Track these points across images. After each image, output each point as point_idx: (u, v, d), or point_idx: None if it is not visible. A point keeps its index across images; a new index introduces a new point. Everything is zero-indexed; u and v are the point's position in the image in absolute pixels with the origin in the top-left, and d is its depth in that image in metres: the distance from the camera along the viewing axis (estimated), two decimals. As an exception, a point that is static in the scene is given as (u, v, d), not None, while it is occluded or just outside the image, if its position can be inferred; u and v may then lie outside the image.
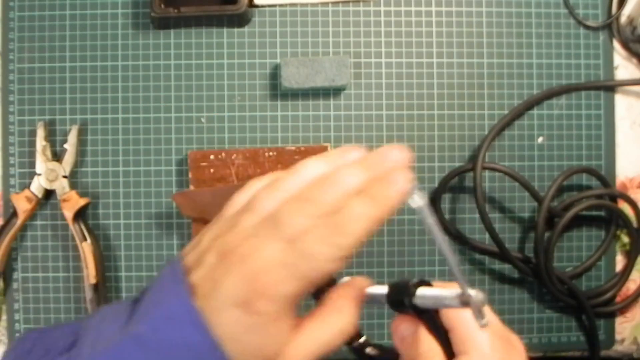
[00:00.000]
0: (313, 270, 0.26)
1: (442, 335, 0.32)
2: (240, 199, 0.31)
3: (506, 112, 0.58)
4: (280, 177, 0.30)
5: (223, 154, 0.55)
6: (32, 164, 0.56)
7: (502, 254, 0.56)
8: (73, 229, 0.55)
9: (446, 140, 0.58)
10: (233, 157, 0.55)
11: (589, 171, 0.57)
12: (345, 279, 0.32)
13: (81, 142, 0.57)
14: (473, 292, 0.28)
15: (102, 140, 0.57)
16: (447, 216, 0.58)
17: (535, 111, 0.59)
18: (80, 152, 0.57)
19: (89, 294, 0.55)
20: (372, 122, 0.57)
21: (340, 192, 0.27)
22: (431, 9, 0.58)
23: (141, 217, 0.57)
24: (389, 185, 0.27)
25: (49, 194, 0.56)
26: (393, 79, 0.58)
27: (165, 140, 0.57)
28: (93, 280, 0.55)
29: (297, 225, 0.27)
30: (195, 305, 0.26)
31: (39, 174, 0.55)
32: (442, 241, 0.28)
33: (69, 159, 0.56)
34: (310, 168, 0.29)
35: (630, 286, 0.59)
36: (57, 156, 0.56)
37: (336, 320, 0.29)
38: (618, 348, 0.59)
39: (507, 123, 0.58)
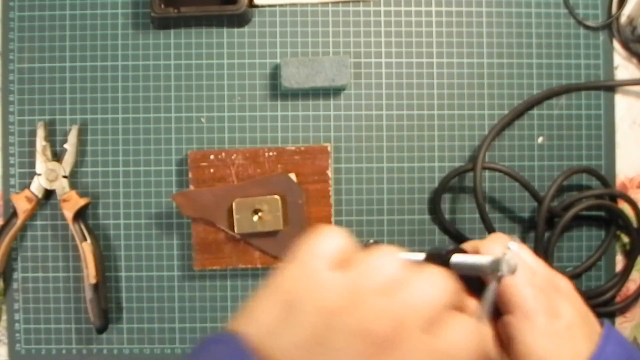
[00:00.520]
0: None
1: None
2: None
3: (506, 112, 0.58)
4: None
5: (223, 154, 0.55)
6: (32, 164, 0.56)
7: (502, 254, 0.56)
8: (73, 229, 0.55)
9: (446, 140, 0.58)
10: (233, 157, 0.55)
11: (589, 171, 0.57)
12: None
13: (81, 142, 0.57)
14: (505, 260, 0.30)
15: (102, 140, 0.57)
16: (447, 216, 0.58)
17: (535, 111, 0.59)
18: (80, 152, 0.57)
19: (89, 294, 0.55)
20: (372, 122, 0.57)
21: None
22: (431, 9, 0.58)
23: (141, 217, 0.57)
24: None
25: (49, 194, 0.56)
26: (393, 79, 0.58)
27: (165, 140, 0.57)
28: (93, 280, 0.55)
29: None
30: None
31: (39, 174, 0.55)
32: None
33: (69, 159, 0.56)
34: None
35: (630, 286, 0.59)
36: (57, 156, 0.56)
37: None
38: (618, 348, 0.59)
39: (507, 123, 0.58)
